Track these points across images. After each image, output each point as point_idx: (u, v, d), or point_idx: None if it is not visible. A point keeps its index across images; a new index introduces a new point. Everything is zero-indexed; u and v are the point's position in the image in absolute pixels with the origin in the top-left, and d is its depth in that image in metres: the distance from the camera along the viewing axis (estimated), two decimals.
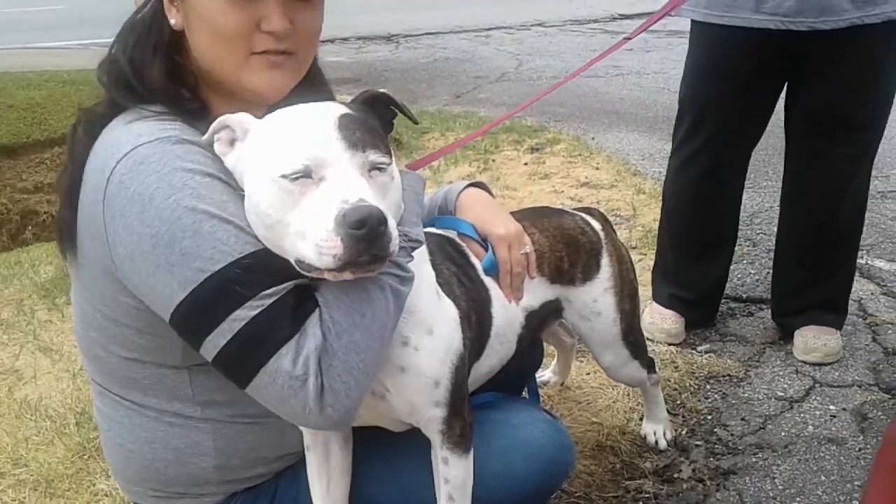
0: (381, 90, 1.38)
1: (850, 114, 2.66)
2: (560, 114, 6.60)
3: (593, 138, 5.84)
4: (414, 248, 1.38)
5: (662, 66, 8.52)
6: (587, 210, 2.09)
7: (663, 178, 3.15)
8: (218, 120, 1.31)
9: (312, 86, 1.53)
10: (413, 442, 1.50)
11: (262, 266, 1.25)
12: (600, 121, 6.42)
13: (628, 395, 2.63)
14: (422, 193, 1.55)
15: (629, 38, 2.45)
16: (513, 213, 1.79)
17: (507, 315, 1.69)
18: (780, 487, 2.24)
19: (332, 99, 1.49)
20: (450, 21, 12.59)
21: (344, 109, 1.29)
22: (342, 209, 1.13)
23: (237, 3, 1.36)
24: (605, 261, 1.94)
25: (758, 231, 4.00)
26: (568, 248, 1.86)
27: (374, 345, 1.27)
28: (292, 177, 1.18)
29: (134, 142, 1.30)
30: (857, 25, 2.46)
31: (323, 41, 1.55)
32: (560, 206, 2.17)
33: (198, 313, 1.24)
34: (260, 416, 1.50)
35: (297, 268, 1.22)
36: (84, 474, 2.33)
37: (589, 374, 2.76)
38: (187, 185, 1.26)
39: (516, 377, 1.98)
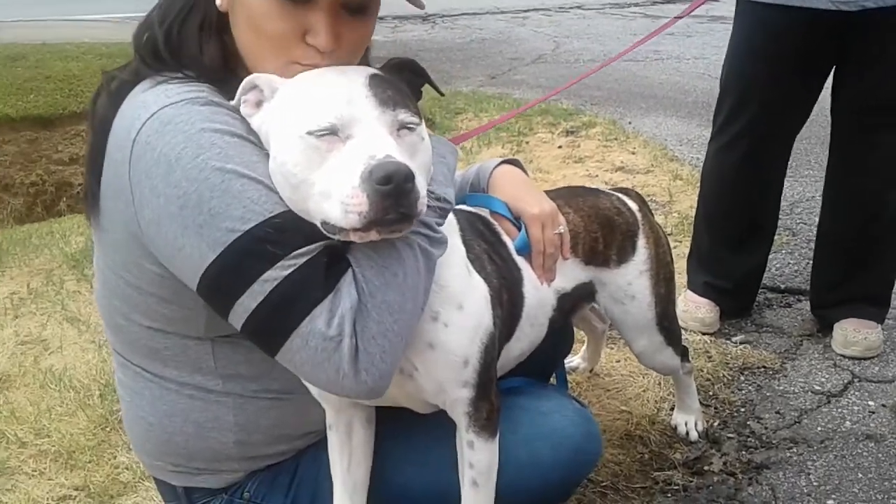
0: (409, 58, 1.35)
1: None
2: (596, 97, 6.50)
3: (630, 122, 5.73)
4: (443, 210, 1.34)
5: (703, 51, 8.37)
6: (624, 190, 2.03)
7: (701, 164, 3.07)
8: (247, 79, 1.27)
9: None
10: (438, 423, 1.47)
11: (294, 225, 1.20)
12: (637, 105, 6.31)
13: (659, 384, 2.58)
14: (451, 161, 1.49)
15: (679, 18, 2.39)
16: (547, 192, 1.74)
17: (538, 296, 1.65)
18: (814, 483, 2.17)
19: None
20: (487, 2, 12.49)
21: (374, 71, 1.27)
22: (369, 165, 1.09)
23: (285, 11, 1.28)
24: (642, 242, 1.89)
25: (798, 221, 3.90)
26: (603, 229, 1.81)
27: (408, 306, 1.23)
28: (318, 133, 1.15)
29: (161, 102, 1.26)
30: None
31: None
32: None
33: (228, 275, 1.20)
34: (283, 392, 1.48)
35: (322, 230, 1.18)
36: (105, 447, 2.33)
37: (619, 361, 2.70)
38: (215, 144, 1.22)
39: (545, 363, 1.94)
